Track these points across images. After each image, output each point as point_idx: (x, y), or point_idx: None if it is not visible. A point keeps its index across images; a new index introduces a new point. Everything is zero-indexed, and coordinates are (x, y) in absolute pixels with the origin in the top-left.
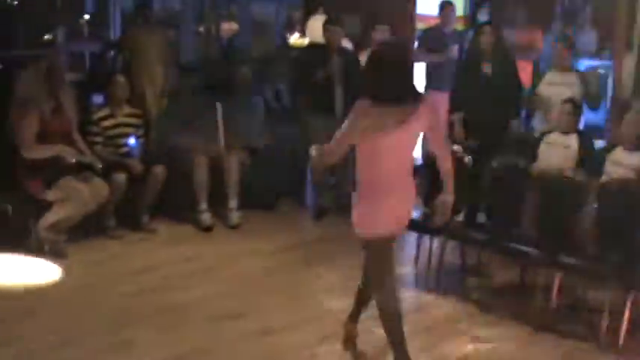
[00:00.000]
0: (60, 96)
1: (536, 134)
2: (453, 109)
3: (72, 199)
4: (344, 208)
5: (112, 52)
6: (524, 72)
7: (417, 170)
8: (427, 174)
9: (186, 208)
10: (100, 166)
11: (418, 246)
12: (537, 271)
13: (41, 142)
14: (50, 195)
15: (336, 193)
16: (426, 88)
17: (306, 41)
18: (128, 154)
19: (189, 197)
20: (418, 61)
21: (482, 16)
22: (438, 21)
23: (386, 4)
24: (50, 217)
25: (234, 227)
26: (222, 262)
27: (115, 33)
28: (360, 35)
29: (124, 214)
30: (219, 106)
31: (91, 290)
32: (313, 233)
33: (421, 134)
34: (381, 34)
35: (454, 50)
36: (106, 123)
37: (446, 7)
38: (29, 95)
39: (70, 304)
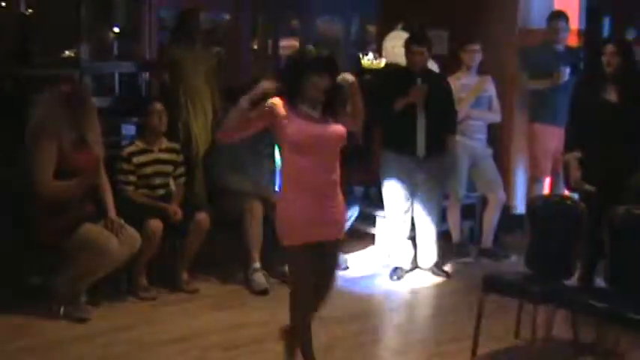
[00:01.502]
0: (83, 125)
1: None
2: (567, 146)
3: (96, 250)
4: (426, 268)
5: (147, 74)
6: None
7: None
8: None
9: (235, 266)
10: (122, 222)
11: (519, 315)
12: None
13: (60, 180)
14: (70, 244)
15: (416, 249)
16: (532, 120)
17: (382, 62)
18: (165, 198)
19: (239, 252)
20: (522, 87)
21: (605, 31)
22: (546, 36)
23: (481, 17)
24: (69, 271)
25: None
26: (277, 333)
27: (150, 50)
28: (449, 55)
29: (158, 271)
30: None
31: None
32: (387, 298)
33: None
34: (473, 54)
35: (566, 73)
36: (140, 159)
37: (556, 18)
38: (46, 123)
39: None
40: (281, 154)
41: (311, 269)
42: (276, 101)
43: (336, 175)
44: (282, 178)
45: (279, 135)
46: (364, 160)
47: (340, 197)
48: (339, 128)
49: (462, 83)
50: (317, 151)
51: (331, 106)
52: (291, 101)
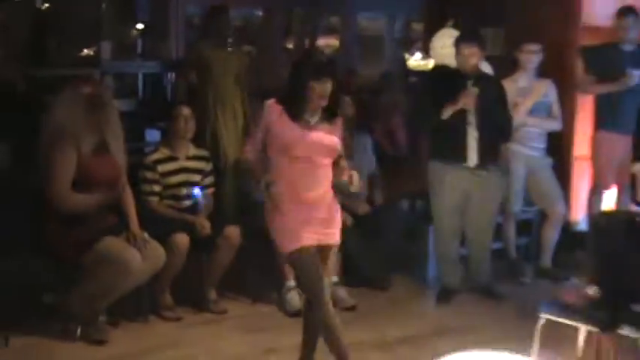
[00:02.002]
0: (105, 130)
1: None
2: (636, 156)
3: (116, 265)
4: (477, 289)
5: (173, 75)
6: None
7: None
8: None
9: (267, 284)
10: (145, 236)
11: (582, 343)
12: None
13: (80, 191)
14: (88, 259)
15: (467, 269)
16: (596, 127)
17: (430, 63)
18: (192, 210)
19: (272, 269)
20: (585, 91)
21: None
22: (612, 35)
23: (540, 13)
24: (86, 289)
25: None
26: None
27: (177, 49)
28: (504, 56)
29: (184, 289)
30: None
31: None
32: (436, 321)
33: None
34: (532, 55)
35: (636, 76)
36: (165, 168)
37: (624, 14)
38: (64, 128)
39: None
40: (271, 161)
41: (319, 268)
42: (271, 106)
43: (328, 185)
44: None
45: (269, 140)
46: (410, 170)
47: (334, 204)
48: (332, 139)
49: (519, 87)
50: (307, 158)
51: (330, 112)
52: (290, 107)
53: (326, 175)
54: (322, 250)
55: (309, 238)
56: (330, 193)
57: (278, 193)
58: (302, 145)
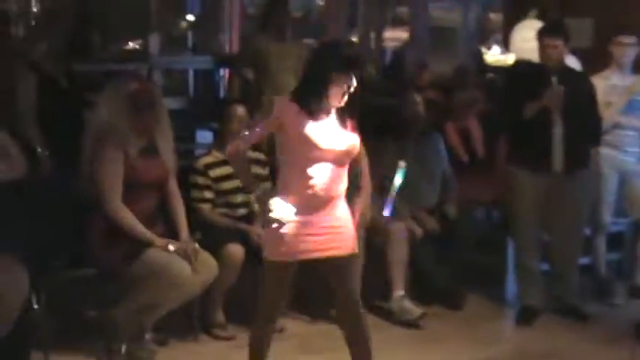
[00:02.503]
0: (153, 131)
1: None
2: None
3: (164, 279)
4: (562, 310)
5: (227, 71)
6: None
7: None
8: None
9: (325, 301)
10: (196, 246)
11: None
12: None
13: (127, 195)
14: (134, 271)
15: (551, 286)
16: None
17: (510, 58)
18: (248, 218)
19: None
20: None
21: None
22: None
23: (635, 1)
24: (131, 304)
25: (407, 325)
26: None
27: (230, 43)
28: (593, 49)
29: (237, 305)
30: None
31: None
32: (516, 345)
33: None
34: (626, 48)
35: None
36: (218, 172)
37: None
38: (110, 129)
39: None
40: (282, 162)
41: (287, 291)
42: (284, 104)
43: (343, 188)
44: (282, 189)
45: (285, 141)
46: (487, 175)
47: (347, 209)
48: (352, 137)
49: (612, 84)
50: (328, 159)
51: (347, 110)
52: (304, 102)
53: (343, 180)
54: (330, 261)
55: (305, 252)
56: (342, 201)
57: (280, 204)
58: (325, 144)
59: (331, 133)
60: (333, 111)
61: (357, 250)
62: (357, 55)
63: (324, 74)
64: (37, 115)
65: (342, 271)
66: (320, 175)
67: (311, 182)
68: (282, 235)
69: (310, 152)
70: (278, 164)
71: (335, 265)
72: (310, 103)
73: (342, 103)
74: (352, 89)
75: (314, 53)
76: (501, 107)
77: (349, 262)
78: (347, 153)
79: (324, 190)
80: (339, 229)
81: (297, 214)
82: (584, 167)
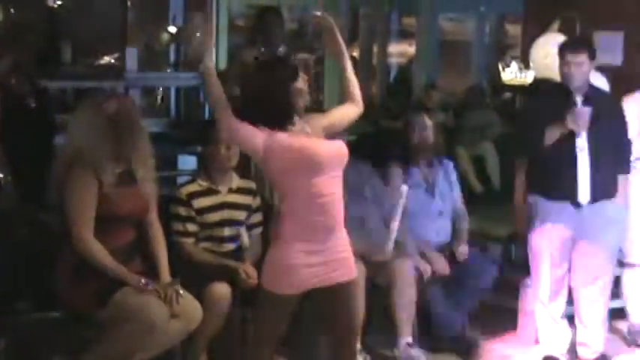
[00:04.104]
0: (131, 157)
1: None
2: None
3: (139, 323)
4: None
5: None
6: None
7: None
8: None
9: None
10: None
11: None
12: None
13: (100, 229)
14: (105, 314)
15: (576, 333)
16: None
17: (529, 76)
18: (236, 255)
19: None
20: None
21: None
22: None
23: None
24: (102, 351)
25: None
26: None
27: (218, 57)
28: (623, 66)
29: (223, 352)
30: (403, 188)
31: None
32: None
33: None
34: None
35: None
36: (202, 203)
37: None
38: (83, 153)
39: None
40: (282, 196)
41: (284, 325)
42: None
43: (340, 206)
44: (287, 223)
45: (275, 170)
46: (503, 207)
47: (344, 233)
48: (336, 144)
49: None
50: (315, 173)
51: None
52: (276, 119)
53: (339, 193)
54: (333, 288)
55: (303, 284)
56: (342, 225)
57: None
58: (319, 154)
59: (317, 141)
60: (300, 122)
61: (357, 275)
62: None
63: (282, 85)
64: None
65: (344, 296)
66: (320, 193)
67: (300, 204)
68: (287, 266)
69: (306, 164)
70: (277, 206)
71: (337, 290)
72: (279, 117)
73: (303, 105)
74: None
75: (256, 71)
76: (520, 131)
77: (352, 287)
78: (340, 160)
79: (316, 210)
80: (341, 253)
81: (302, 242)
82: (613, 198)
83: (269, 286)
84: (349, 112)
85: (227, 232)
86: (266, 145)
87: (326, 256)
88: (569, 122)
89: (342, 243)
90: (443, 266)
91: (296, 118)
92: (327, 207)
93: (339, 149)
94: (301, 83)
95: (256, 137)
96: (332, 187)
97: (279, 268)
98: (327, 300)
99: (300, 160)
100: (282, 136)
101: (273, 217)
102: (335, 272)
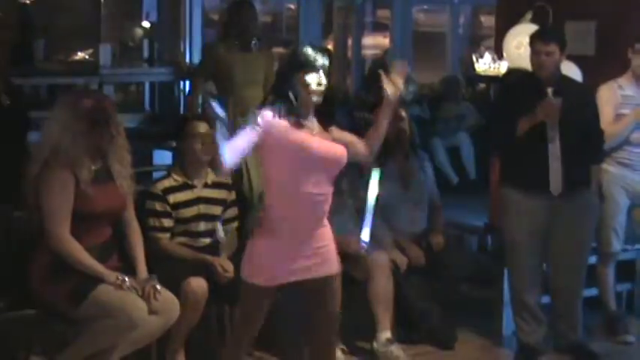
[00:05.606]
0: (108, 153)
1: None
2: None
3: (116, 320)
4: (565, 349)
5: (188, 84)
6: None
7: None
8: None
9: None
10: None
11: None
12: None
13: (77, 227)
14: (82, 311)
15: (552, 322)
16: None
17: (503, 67)
18: (212, 249)
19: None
20: None
21: None
22: None
23: None
24: (80, 348)
25: None
26: None
27: (190, 53)
28: (595, 56)
29: (199, 348)
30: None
31: None
32: None
33: None
34: None
35: None
36: (178, 198)
37: None
38: (58, 151)
39: None
40: (265, 176)
41: (263, 316)
42: (267, 118)
43: (328, 206)
44: (272, 216)
45: (263, 152)
46: (479, 198)
47: (328, 228)
48: (338, 148)
49: (625, 94)
50: (309, 172)
51: (327, 116)
52: (281, 110)
53: (329, 194)
54: (312, 282)
55: (283, 277)
56: (326, 220)
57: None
58: (317, 154)
59: (318, 140)
60: (313, 119)
61: (339, 270)
62: (326, 51)
63: (291, 75)
64: None
65: (323, 292)
66: (312, 191)
67: (290, 198)
68: (268, 258)
69: (301, 160)
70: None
71: (317, 285)
72: (291, 110)
73: (316, 102)
74: (323, 87)
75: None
76: (492, 122)
77: (331, 282)
78: (338, 165)
79: (305, 207)
80: (324, 248)
81: (285, 235)
82: (586, 188)
83: (249, 278)
84: (359, 147)
85: (203, 226)
86: (264, 133)
87: (308, 250)
88: (540, 113)
89: (325, 238)
90: (419, 256)
91: (310, 116)
92: (315, 205)
93: (336, 151)
94: (313, 77)
95: (252, 140)
96: (323, 186)
97: (259, 260)
98: (308, 293)
99: (294, 152)
100: (283, 125)
101: (249, 212)
102: (317, 266)
